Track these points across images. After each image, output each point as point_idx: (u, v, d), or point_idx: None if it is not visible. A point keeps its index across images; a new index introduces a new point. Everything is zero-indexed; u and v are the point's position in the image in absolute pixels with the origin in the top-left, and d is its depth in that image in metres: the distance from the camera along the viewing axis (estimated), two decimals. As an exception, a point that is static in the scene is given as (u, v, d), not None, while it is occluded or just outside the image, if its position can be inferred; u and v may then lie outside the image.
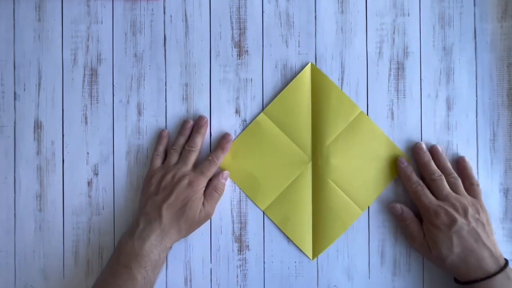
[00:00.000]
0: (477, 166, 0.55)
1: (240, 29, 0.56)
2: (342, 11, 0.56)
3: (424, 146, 0.54)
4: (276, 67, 0.55)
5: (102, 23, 0.55)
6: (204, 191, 0.52)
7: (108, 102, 0.55)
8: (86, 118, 0.55)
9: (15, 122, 0.55)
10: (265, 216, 0.55)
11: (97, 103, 0.55)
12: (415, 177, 0.53)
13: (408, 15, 0.56)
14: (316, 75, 0.55)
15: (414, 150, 0.54)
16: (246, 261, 0.55)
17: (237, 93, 0.55)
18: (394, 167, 0.55)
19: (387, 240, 0.55)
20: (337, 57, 0.56)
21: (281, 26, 0.56)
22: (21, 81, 0.55)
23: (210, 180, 0.53)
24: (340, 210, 0.54)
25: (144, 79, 0.55)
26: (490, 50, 0.56)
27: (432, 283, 0.55)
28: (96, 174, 0.55)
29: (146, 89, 0.55)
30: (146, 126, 0.55)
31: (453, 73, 0.56)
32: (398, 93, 0.56)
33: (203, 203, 0.51)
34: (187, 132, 0.54)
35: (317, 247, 0.54)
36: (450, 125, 0.56)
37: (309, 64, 0.55)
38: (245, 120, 0.55)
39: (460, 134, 0.56)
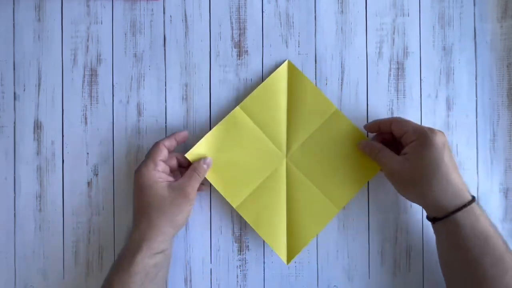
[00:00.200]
0: (477, 166, 0.55)
1: (240, 29, 0.56)
2: (342, 11, 0.56)
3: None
4: (276, 67, 0.55)
5: (102, 23, 0.55)
6: (184, 172, 0.51)
7: (108, 102, 0.55)
8: (86, 118, 0.55)
9: (15, 122, 0.55)
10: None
11: (97, 103, 0.55)
12: (375, 144, 0.51)
13: (408, 15, 0.56)
14: (293, 72, 0.55)
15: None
16: (246, 261, 0.55)
17: (237, 93, 0.55)
18: (372, 165, 0.53)
19: (387, 240, 0.55)
20: (337, 57, 0.56)
21: (281, 26, 0.56)
22: (21, 81, 0.55)
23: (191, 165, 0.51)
24: (315, 208, 0.53)
25: (144, 79, 0.55)
26: (490, 50, 0.56)
27: (432, 283, 0.55)
28: (96, 175, 0.55)
29: (146, 89, 0.55)
30: (146, 126, 0.55)
31: (453, 73, 0.56)
32: (398, 93, 0.56)
33: (178, 181, 0.49)
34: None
35: (292, 248, 0.53)
36: (450, 125, 0.56)
37: (286, 61, 0.55)
38: (245, 120, 0.55)
39: (460, 134, 0.56)
